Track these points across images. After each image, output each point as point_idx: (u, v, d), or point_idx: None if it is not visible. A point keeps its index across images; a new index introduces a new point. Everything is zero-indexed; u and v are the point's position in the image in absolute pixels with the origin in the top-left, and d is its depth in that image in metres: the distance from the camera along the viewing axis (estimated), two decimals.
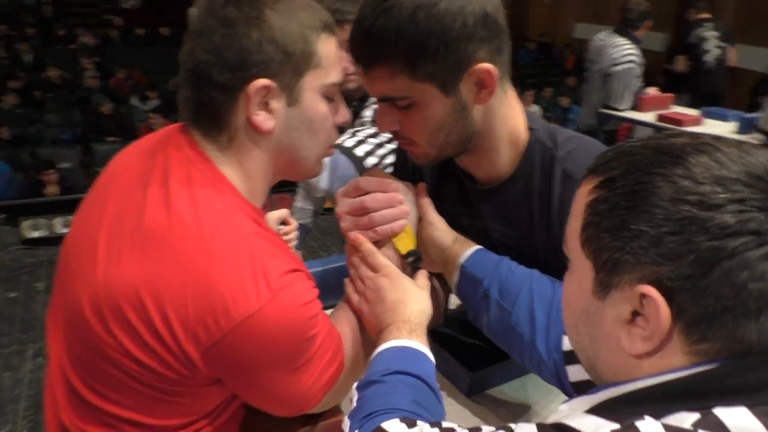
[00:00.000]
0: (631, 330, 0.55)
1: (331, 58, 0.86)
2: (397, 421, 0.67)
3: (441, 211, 1.06)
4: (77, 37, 10.44)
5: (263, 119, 0.81)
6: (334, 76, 0.87)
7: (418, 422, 0.66)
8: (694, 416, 0.49)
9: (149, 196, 0.78)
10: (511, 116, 0.99)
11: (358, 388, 0.76)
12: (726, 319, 0.50)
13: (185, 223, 0.75)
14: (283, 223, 1.51)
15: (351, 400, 0.76)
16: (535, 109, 7.59)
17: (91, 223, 0.83)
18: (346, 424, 0.71)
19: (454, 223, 1.04)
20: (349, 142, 1.75)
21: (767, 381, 0.50)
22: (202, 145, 0.83)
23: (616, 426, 0.50)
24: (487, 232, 1.06)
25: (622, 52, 4.15)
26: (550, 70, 10.77)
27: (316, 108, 0.85)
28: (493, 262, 0.99)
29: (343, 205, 0.96)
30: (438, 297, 1.21)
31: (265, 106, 0.81)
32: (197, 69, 0.80)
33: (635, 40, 4.17)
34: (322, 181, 1.67)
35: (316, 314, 0.80)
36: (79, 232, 0.85)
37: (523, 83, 8.37)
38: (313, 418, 1.02)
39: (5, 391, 2.89)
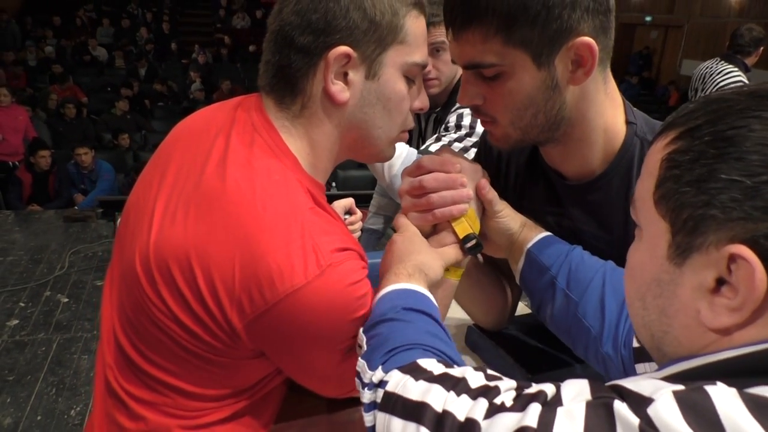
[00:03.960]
0: (714, 300, 0.46)
1: (418, 37, 0.82)
2: (434, 360, 0.61)
3: (525, 209, 0.98)
4: (190, 53, 11.16)
5: (339, 90, 0.78)
6: (418, 56, 0.82)
7: (456, 366, 0.60)
8: None
9: (210, 160, 0.77)
10: (609, 107, 0.89)
11: (366, 330, 0.70)
12: None
13: (240, 190, 0.73)
14: (349, 212, 1.48)
15: (360, 346, 0.70)
16: None
17: (152, 184, 0.82)
18: (362, 364, 0.65)
19: (539, 223, 0.95)
20: (433, 147, 1.70)
21: None
22: (272, 113, 0.81)
23: (680, 387, 0.41)
24: (576, 234, 0.96)
25: (730, 79, 3.75)
26: (652, 107, 10.35)
27: (394, 86, 0.81)
28: (563, 249, 0.90)
29: (404, 184, 0.90)
30: (506, 297, 1.12)
31: (343, 77, 0.78)
32: (282, 30, 0.78)
33: (745, 68, 3.80)
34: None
35: (365, 294, 0.75)
36: (140, 193, 0.85)
37: None
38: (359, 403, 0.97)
39: (81, 373, 3.01)
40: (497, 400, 0.49)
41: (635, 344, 0.77)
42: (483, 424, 0.48)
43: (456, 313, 1.16)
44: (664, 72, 12.29)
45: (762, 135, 0.44)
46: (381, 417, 0.57)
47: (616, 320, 0.81)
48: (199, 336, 0.73)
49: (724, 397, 0.39)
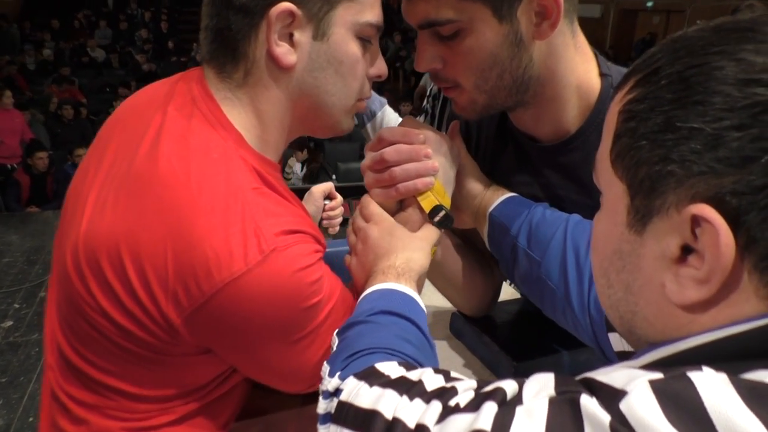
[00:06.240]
0: (679, 271, 0.39)
1: None
2: (394, 363, 0.54)
3: (497, 181, 0.92)
4: (189, 51, 11.13)
5: (284, 52, 0.70)
6: (370, 15, 0.74)
7: (419, 368, 0.53)
8: None
9: (144, 139, 0.70)
10: (581, 61, 0.83)
11: (339, 332, 0.64)
12: None
13: (173, 171, 0.65)
14: (329, 198, 1.41)
15: (331, 347, 0.63)
16: None
17: (89, 171, 0.75)
18: (325, 369, 0.58)
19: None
20: None
21: None
22: (213, 84, 0.74)
23: (658, 375, 0.34)
24: (554, 200, 0.89)
25: None
26: None
27: (346, 47, 0.74)
28: (524, 208, 0.84)
29: (366, 159, 0.83)
30: (486, 282, 1.05)
31: (288, 38, 0.71)
32: None
33: None
34: None
35: (317, 280, 0.68)
36: (77, 182, 0.78)
37: None
38: None
39: None
40: (452, 402, 0.43)
41: None
42: (434, 430, 0.41)
43: (439, 299, 1.10)
44: None
45: (725, 73, 0.37)
46: (334, 430, 0.51)
47: (577, 279, 0.75)
48: (133, 333, 0.66)
49: (711, 385, 0.32)
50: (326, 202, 1.40)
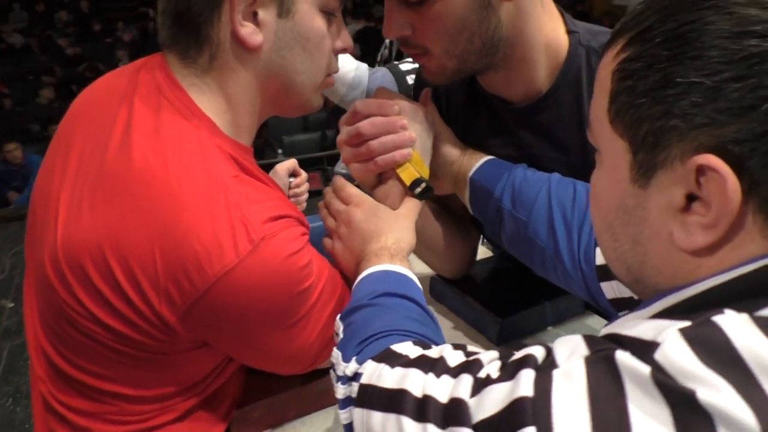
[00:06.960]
0: (686, 219, 0.41)
1: None
2: (409, 343, 0.55)
3: (472, 146, 0.92)
4: (114, 31, 10.63)
5: (250, 32, 0.68)
6: None
7: (434, 346, 0.55)
8: None
9: (113, 135, 0.67)
10: (548, 20, 0.84)
11: (343, 317, 0.64)
12: None
13: (149, 166, 0.63)
14: (293, 174, 1.40)
15: (336, 334, 0.64)
16: None
17: (54, 172, 0.72)
18: (336, 355, 0.59)
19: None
20: (404, 65, 1.67)
21: None
22: (177, 70, 0.70)
23: (686, 323, 0.37)
24: (531, 159, 0.90)
25: None
26: None
27: (312, 23, 0.72)
28: (504, 170, 0.85)
29: (342, 134, 0.82)
30: (464, 243, 1.07)
31: (253, 17, 0.68)
32: None
33: None
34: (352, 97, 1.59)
35: (307, 263, 0.68)
36: (43, 185, 0.74)
37: None
38: (326, 373, 0.91)
39: None
40: (482, 374, 0.44)
41: (598, 262, 0.73)
42: (471, 402, 0.42)
43: (418, 265, 1.11)
44: (598, 3, 12.33)
45: (719, 27, 0.39)
46: (359, 413, 0.52)
47: (566, 235, 0.78)
48: (128, 336, 0.65)
49: (737, 326, 0.35)
50: (291, 179, 1.38)
